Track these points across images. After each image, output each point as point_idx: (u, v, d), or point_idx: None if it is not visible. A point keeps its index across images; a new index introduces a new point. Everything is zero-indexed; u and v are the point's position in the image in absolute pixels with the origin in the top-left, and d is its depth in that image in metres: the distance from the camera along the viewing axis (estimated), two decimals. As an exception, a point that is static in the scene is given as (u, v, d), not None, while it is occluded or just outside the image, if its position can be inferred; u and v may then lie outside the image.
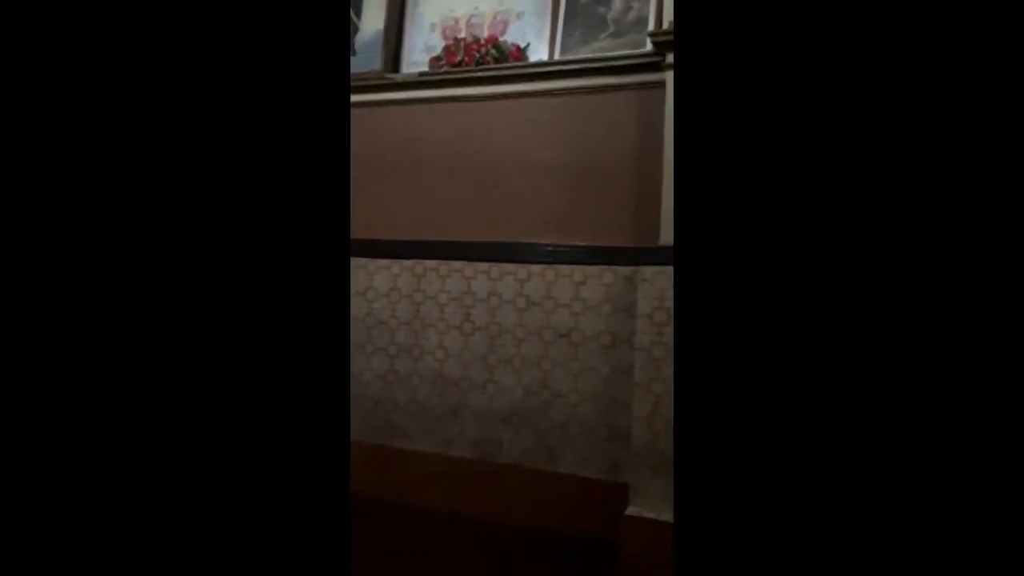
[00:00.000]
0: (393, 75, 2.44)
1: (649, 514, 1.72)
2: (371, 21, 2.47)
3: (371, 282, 2.33)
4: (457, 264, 2.22)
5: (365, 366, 2.31)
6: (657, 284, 1.76)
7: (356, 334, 2.33)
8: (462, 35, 2.40)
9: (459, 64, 2.30)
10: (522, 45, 2.30)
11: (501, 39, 2.31)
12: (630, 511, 1.74)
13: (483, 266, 2.19)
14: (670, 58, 1.80)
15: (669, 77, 1.80)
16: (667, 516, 1.69)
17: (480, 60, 2.27)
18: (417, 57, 2.49)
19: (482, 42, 2.30)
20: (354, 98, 2.27)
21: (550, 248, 2.10)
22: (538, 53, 2.30)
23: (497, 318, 2.16)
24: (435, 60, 2.37)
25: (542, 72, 2.16)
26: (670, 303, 1.74)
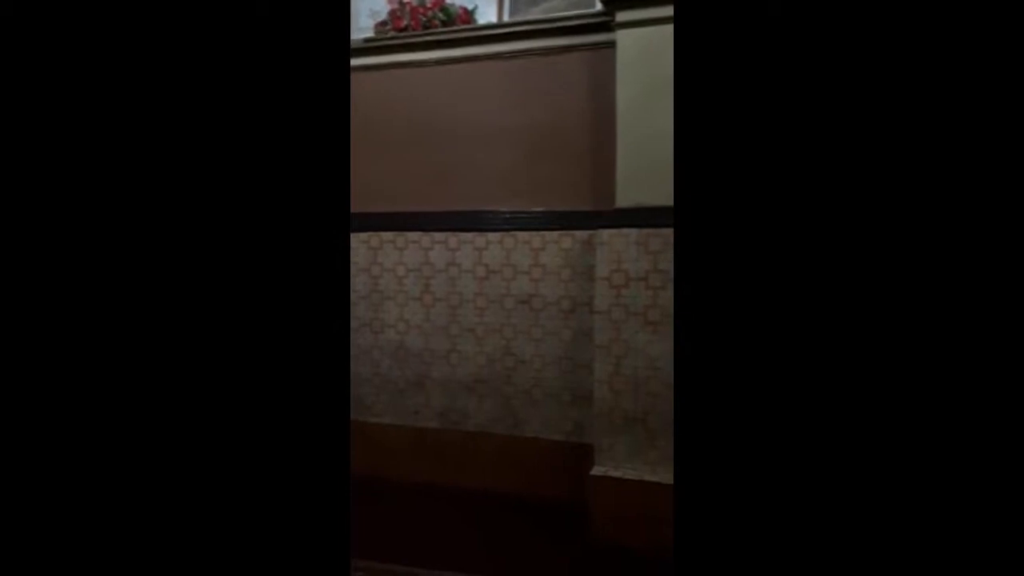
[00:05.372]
0: (338, 42, 2.36)
1: (614, 473, 1.75)
2: (312, -14, 2.38)
3: (327, 257, 2.29)
4: (414, 235, 2.19)
5: (326, 342, 2.29)
6: (615, 247, 1.77)
7: (314, 310, 2.29)
8: (407, -2, 2.33)
9: (405, 29, 2.24)
10: (469, 7, 2.24)
11: (448, 2, 2.25)
12: (595, 471, 1.77)
13: (440, 236, 2.17)
14: (620, 17, 1.78)
15: (619, 37, 1.78)
16: (632, 474, 1.73)
17: (427, 24, 2.21)
18: (363, 23, 2.42)
19: (428, 5, 2.24)
20: (298, 67, 2.19)
21: (507, 215, 2.09)
22: (487, 16, 2.26)
23: (457, 288, 2.15)
24: (380, 25, 2.30)
25: (491, 35, 2.12)
26: (628, 266, 1.75)
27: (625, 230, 1.75)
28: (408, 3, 2.28)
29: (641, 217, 1.74)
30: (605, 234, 1.78)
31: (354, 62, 2.28)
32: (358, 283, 2.26)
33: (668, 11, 1.70)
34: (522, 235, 2.07)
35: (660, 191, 1.72)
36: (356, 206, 2.25)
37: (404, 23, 2.24)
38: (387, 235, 2.22)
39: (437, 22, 2.21)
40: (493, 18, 2.24)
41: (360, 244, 2.25)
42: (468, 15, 2.23)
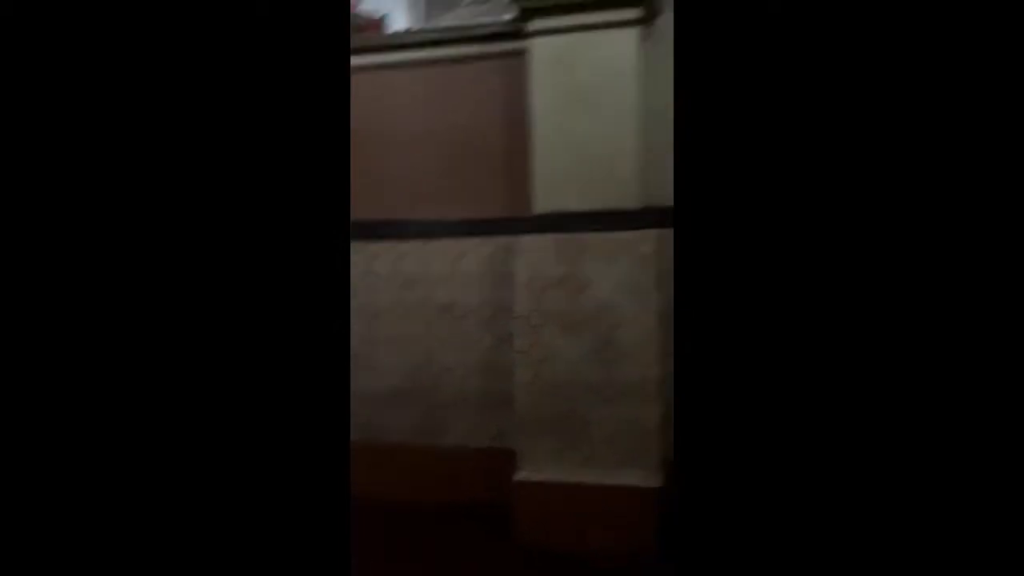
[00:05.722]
0: (243, 47, 2.28)
1: (537, 477, 1.76)
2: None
3: (236, 269, 2.20)
4: (329, 245, 2.14)
5: (237, 358, 2.19)
6: (534, 253, 1.78)
7: (224, 325, 2.19)
8: (316, 4, 2.29)
9: (315, 35, 2.19)
10: (379, 15, 2.22)
11: (355, 11, 2.22)
12: (518, 476, 1.78)
13: (357, 245, 2.12)
14: (532, 25, 1.80)
15: (532, 45, 1.81)
16: (555, 478, 1.74)
17: (337, 30, 2.18)
18: (269, 28, 2.36)
19: (338, 11, 2.20)
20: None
21: (425, 223, 2.07)
22: (398, 23, 2.24)
23: (375, 298, 2.11)
24: (289, 31, 2.25)
25: (401, 43, 2.10)
26: (548, 271, 1.77)
27: (544, 236, 1.77)
28: (317, 8, 2.24)
29: (559, 222, 1.76)
30: (524, 240, 1.80)
31: (261, 68, 2.21)
32: (270, 296, 2.18)
33: (582, 19, 1.74)
34: (440, 243, 2.06)
35: (578, 197, 1.75)
36: (267, 216, 2.18)
37: (313, 29, 2.20)
38: (300, 245, 2.16)
39: (348, 28, 2.18)
40: (404, 26, 2.23)
41: (272, 255, 2.17)
42: (378, 23, 2.21)
